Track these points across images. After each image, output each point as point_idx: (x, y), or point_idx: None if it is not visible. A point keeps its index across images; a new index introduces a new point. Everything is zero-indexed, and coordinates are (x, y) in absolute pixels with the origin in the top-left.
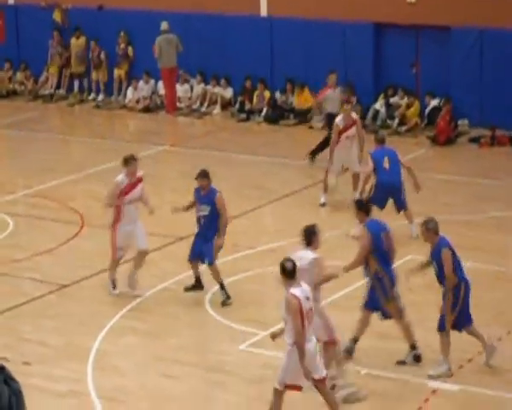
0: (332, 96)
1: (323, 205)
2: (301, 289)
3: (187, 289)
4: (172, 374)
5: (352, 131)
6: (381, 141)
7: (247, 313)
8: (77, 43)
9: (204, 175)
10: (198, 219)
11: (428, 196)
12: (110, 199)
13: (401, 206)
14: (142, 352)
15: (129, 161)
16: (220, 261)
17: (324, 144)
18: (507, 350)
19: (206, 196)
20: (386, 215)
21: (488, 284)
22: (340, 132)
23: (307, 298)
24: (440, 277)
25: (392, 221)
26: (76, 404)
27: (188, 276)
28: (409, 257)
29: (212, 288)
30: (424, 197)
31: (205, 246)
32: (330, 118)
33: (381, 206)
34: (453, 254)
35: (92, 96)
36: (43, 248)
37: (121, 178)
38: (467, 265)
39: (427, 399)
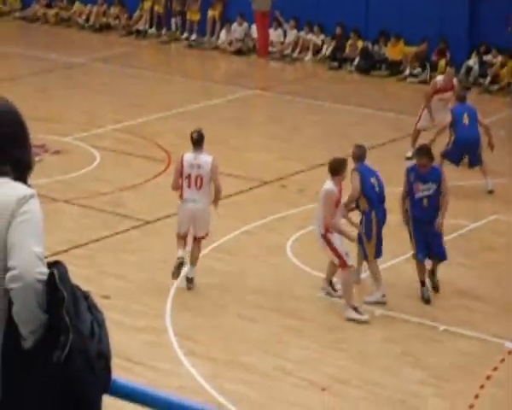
0: None
1: (409, 159)
2: (194, 156)
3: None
4: (249, 316)
5: (448, 95)
6: (462, 98)
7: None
8: None
9: (424, 153)
10: (418, 201)
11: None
12: (331, 213)
13: (476, 161)
14: (221, 292)
15: (339, 168)
16: (305, 208)
17: None
18: None
19: (429, 173)
20: (460, 172)
21: None
22: (436, 92)
23: (198, 166)
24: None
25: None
26: (152, 340)
27: (272, 220)
28: (494, 217)
29: (294, 234)
30: (503, 159)
31: (435, 239)
32: None
33: (457, 162)
34: (366, 180)
35: (185, 35)
36: (129, 183)
37: (330, 187)
38: None
39: (503, 359)
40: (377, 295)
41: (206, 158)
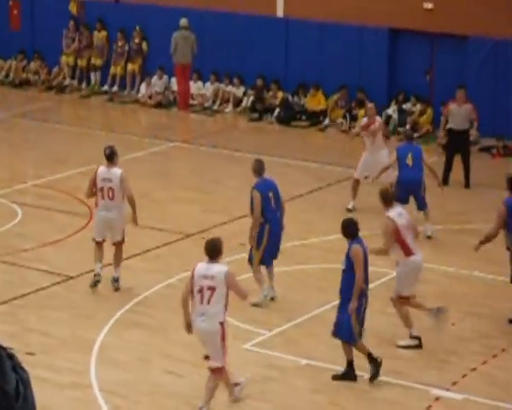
0: (455, 111)
1: (351, 211)
2: (107, 170)
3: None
4: (175, 371)
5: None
6: (409, 137)
7: (253, 313)
8: (98, 36)
9: (341, 227)
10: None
11: (439, 204)
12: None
13: (422, 204)
14: (146, 347)
15: (219, 249)
16: (227, 260)
17: (449, 164)
18: (510, 361)
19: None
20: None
21: (495, 294)
22: (362, 129)
23: (109, 179)
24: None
25: None
26: (77, 396)
27: None
28: None
29: None
30: (435, 205)
31: (341, 316)
32: (450, 134)
33: (404, 202)
34: (265, 197)
35: (105, 88)
36: (51, 239)
37: (227, 268)
38: (474, 274)
39: (429, 406)
40: (259, 298)
41: (115, 171)
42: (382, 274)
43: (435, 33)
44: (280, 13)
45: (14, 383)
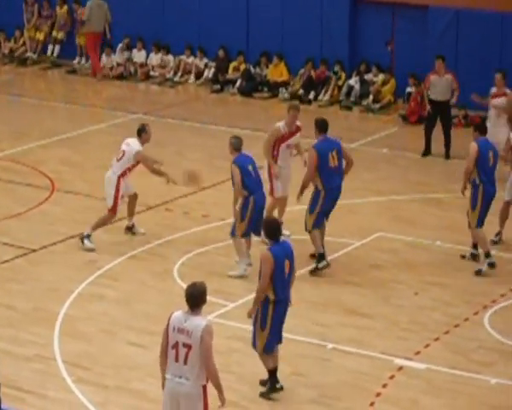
0: (436, 82)
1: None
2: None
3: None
4: (139, 342)
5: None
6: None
7: (216, 284)
8: (60, 11)
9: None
10: None
11: (399, 174)
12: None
13: None
14: (110, 319)
15: None
16: (191, 232)
17: (430, 135)
18: (473, 331)
19: None
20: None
21: (457, 264)
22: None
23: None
24: None
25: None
26: (41, 369)
27: (158, 244)
28: (378, 234)
29: (180, 258)
30: (395, 175)
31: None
32: (433, 106)
33: None
34: (244, 171)
35: (66, 61)
36: (13, 211)
37: None
38: (436, 243)
39: (392, 376)
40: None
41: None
42: (346, 244)
43: (396, 3)
44: None
45: None
